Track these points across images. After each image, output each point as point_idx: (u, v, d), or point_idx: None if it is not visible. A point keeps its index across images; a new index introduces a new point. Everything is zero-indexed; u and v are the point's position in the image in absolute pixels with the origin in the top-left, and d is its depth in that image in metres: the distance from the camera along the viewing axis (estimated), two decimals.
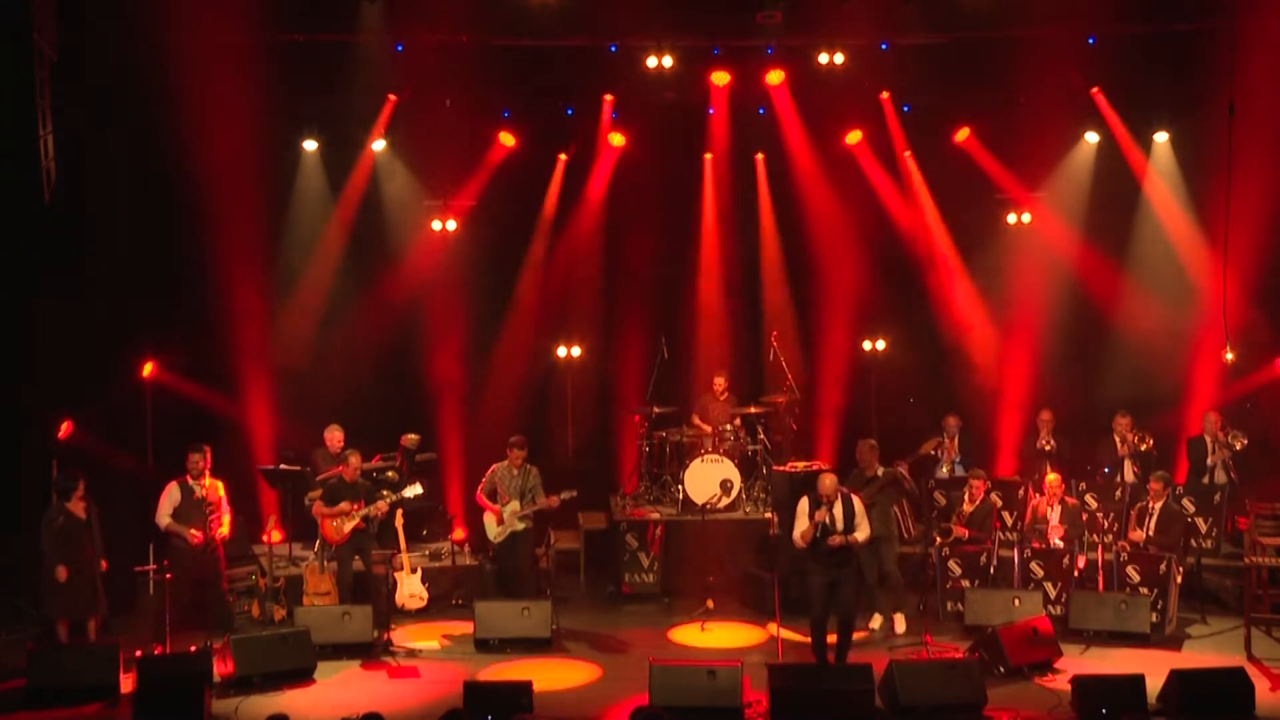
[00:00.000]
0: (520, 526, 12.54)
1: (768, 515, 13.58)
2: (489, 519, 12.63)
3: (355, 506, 12.14)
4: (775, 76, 14.99)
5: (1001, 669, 10.73)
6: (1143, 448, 13.76)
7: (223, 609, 11.93)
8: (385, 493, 12.42)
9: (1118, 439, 13.90)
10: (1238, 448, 13.40)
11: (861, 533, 10.88)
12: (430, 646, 11.88)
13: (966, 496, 12.88)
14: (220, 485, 11.96)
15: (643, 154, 15.44)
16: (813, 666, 10.49)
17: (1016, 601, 11.88)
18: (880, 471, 12.32)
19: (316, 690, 10.73)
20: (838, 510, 10.80)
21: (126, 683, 10.42)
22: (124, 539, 11.96)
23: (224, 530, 11.93)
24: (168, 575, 11.40)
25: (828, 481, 10.94)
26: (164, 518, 11.69)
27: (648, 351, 15.11)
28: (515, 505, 12.49)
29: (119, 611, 12.06)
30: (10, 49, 12.61)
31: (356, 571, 12.23)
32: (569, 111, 15.40)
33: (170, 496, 11.73)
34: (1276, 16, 12.95)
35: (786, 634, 11.55)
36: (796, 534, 10.94)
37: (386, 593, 12.26)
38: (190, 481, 11.76)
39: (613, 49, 14.54)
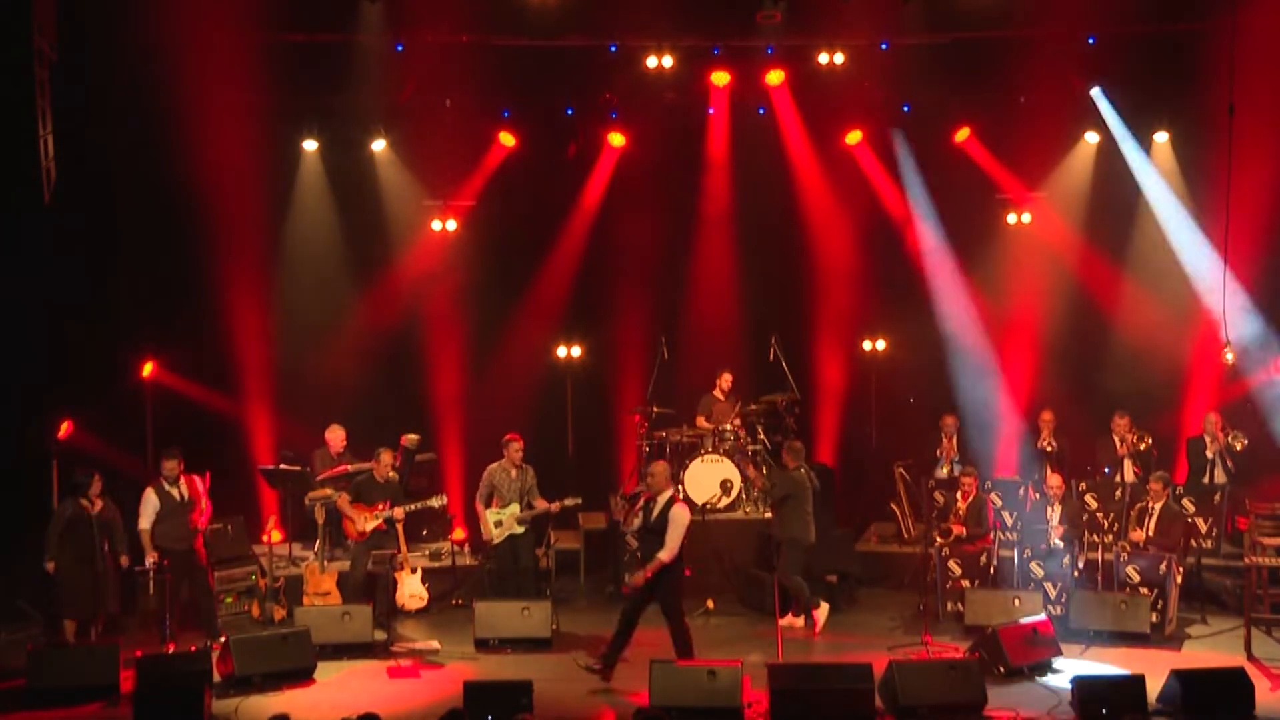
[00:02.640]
0: (520, 530, 12.52)
1: (767, 515, 13.57)
2: (483, 525, 12.55)
3: (383, 506, 12.19)
4: (775, 76, 14.99)
5: (1001, 669, 10.71)
6: (1142, 447, 13.75)
7: (208, 607, 11.86)
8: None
9: (1116, 439, 13.89)
10: (1238, 448, 13.40)
11: (666, 552, 10.33)
12: (430, 646, 11.88)
13: (960, 495, 12.96)
14: (197, 480, 11.84)
15: (643, 154, 15.43)
16: (813, 667, 10.47)
17: (1016, 601, 11.87)
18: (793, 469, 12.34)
19: (316, 690, 10.71)
20: (658, 503, 10.53)
21: (126, 682, 10.39)
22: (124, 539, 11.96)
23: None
24: (167, 575, 11.41)
25: (659, 467, 10.73)
26: (145, 520, 11.56)
27: (648, 351, 15.11)
28: (515, 508, 12.43)
29: (120, 611, 12.04)
30: (10, 49, 12.60)
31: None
32: (569, 111, 15.39)
33: (149, 502, 11.59)
34: (1276, 16, 12.95)
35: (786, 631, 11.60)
36: (628, 526, 10.91)
37: (388, 593, 12.27)
38: (167, 487, 11.65)
39: (613, 49, 14.57)
